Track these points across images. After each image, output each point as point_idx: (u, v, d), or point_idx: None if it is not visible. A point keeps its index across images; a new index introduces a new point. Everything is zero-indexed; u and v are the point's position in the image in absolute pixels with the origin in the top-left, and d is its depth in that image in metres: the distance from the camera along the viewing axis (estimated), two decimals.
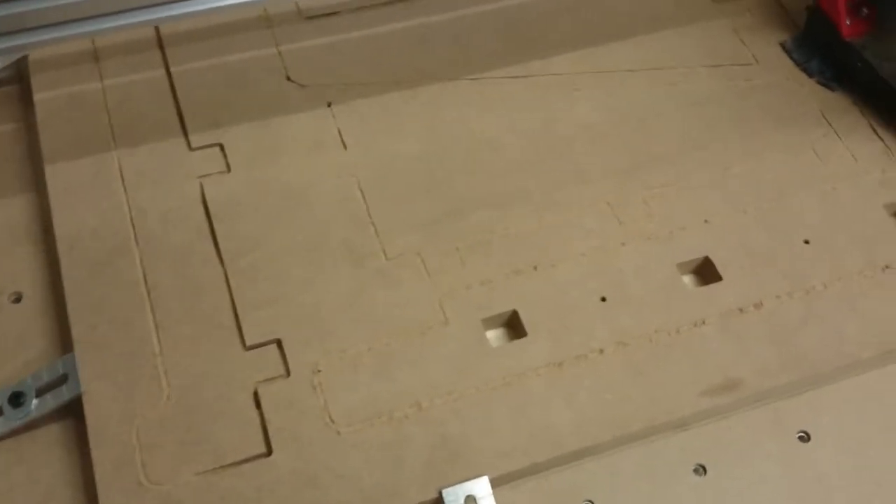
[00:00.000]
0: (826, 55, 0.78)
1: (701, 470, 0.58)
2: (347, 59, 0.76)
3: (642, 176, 0.70)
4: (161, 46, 0.76)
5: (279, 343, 0.59)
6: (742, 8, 0.81)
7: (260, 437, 0.55)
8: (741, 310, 0.63)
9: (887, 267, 0.65)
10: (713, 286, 0.64)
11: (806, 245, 0.66)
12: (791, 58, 0.79)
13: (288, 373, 0.58)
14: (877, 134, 0.73)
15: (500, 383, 0.59)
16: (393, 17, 0.80)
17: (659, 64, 0.77)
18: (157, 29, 0.76)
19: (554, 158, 0.71)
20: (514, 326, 0.62)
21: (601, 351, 0.60)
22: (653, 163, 0.71)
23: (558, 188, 0.69)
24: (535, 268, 0.65)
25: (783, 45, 0.80)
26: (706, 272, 0.66)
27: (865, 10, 0.74)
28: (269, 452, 0.55)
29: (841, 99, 0.75)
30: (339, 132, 0.72)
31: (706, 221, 0.67)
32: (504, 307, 0.62)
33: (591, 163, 0.71)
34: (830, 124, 0.73)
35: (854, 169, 0.71)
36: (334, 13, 0.79)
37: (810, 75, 0.78)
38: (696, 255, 0.66)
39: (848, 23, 0.74)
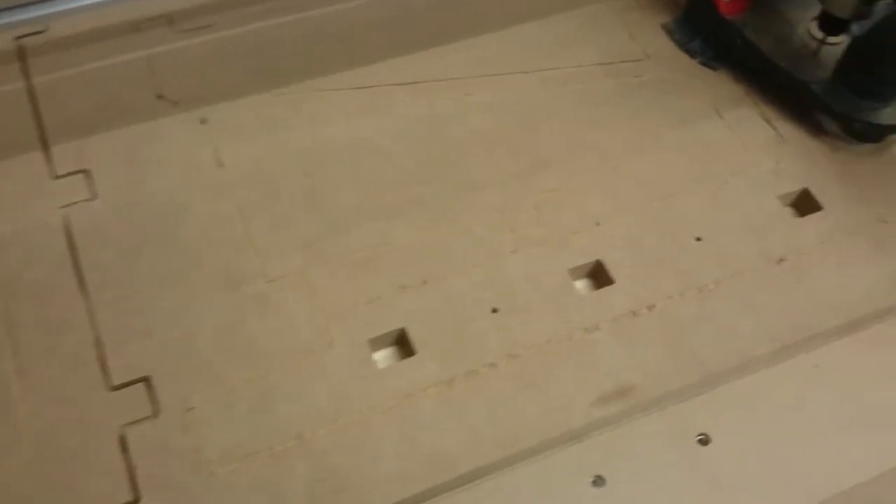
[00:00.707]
0: (707, 35, 0.78)
1: (599, 481, 0.57)
2: (222, 71, 0.73)
3: (534, 180, 0.69)
4: (22, 57, 0.72)
5: (147, 381, 0.56)
6: (633, 6, 0.81)
7: (126, 484, 0.52)
8: (634, 313, 0.62)
9: (782, 260, 0.65)
10: (606, 290, 0.63)
11: (698, 242, 0.66)
12: (673, 39, 0.78)
13: (157, 413, 0.55)
14: (769, 123, 0.73)
15: (387, 407, 0.57)
16: (270, 18, 0.76)
17: (551, 64, 0.76)
18: (18, 38, 0.72)
19: (445, 166, 0.70)
20: (402, 345, 0.60)
21: (493, 365, 0.59)
22: (545, 166, 0.70)
23: (449, 197, 0.68)
24: (425, 282, 0.63)
25: (665, 27, 0.79)
26: (598, 276, 0.65)
27: None
28: (137, 500, 0.52)
29: (732, 90, 0.75)
30: (215, 150, 0.69)
31: (598, 224, 0.67)
32: (392, 325, 0.60)
33: (482, 169, 0.70)
34: (722, 117, 0.73)
35: (746, 161, 0.71)
36: (206, 26, 0.76)
37: (693, 56, 0.77)
38: (588, 259, 0.65)
39: (727, 0, 0.74)
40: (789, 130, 0.73)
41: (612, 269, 0.64)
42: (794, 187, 0.69)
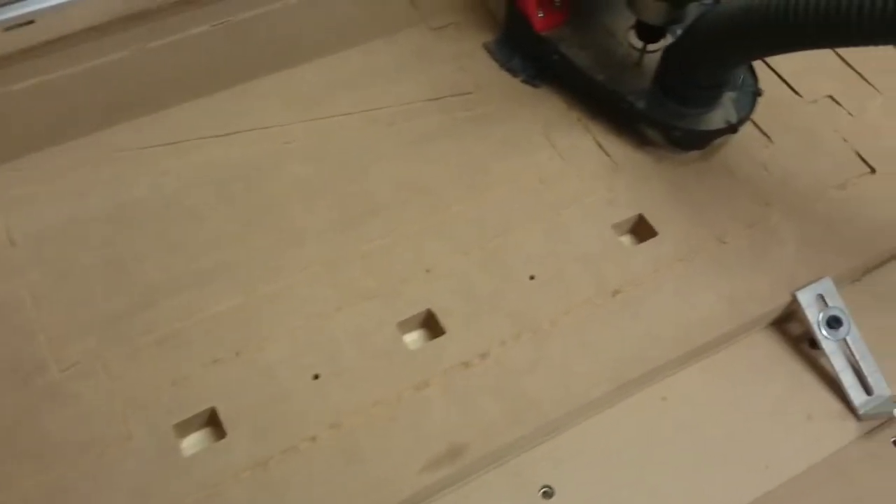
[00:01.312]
0: (526, 53, 0.76)
1: None
2: (13, 129, 0.68)
3: (361, 229, 0.66)
4: None
5: None
6: (459, 34, 0.79)
7: None
8: (466, 364, 0.59)
9: (617, 292, 0.63)
10: (437, 341, 0.60)
11: (532, 281, 0.64)
12: (494, 59, 0.77)
13: None
14: (603, 149, 0.72)
15: (193, 500, 0.52)
16: (63, 67, 0.68)
17: (376, 104, 0.74)
18: None
19: (263, 222, 0.65)
20: (213, 426, 0.56)
21: (313, 438, 0.55)
22: (372, 213, 0.67)
23: (267, 256, 0.64)
24: (238, 353, 0.58)
25: (486, 47, 0.78)
26: (429, 327, 0.62)
27: (558, 1, 0.73)
28: None
29: (565, 117, 0.74)
30: (6, 227, 0.63)
31: (428, 271, 0.64)
32: (200, 406, 0.56)
33: (304, 222, 0.66)
34: (554, 146, 0.72)
35: (580, 190, 0.69)
36: None
37: (514, 74, 0.76)
38: (419, 308, 0.61)
39: (541, 15, 0.73)
40: (619, 149, 0.71)
41: (444, 318, 0.61)
42: (629, 214, 0.67)
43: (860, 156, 0.71)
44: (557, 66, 0.74)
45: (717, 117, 0.69)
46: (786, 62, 0.77)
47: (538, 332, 0.61)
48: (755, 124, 0.73)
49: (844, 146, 0.72)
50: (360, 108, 0.73)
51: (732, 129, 0.69)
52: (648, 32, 0.71)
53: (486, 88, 0.75)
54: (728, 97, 0.70)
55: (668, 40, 0.70)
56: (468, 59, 0.77)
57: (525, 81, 0.76)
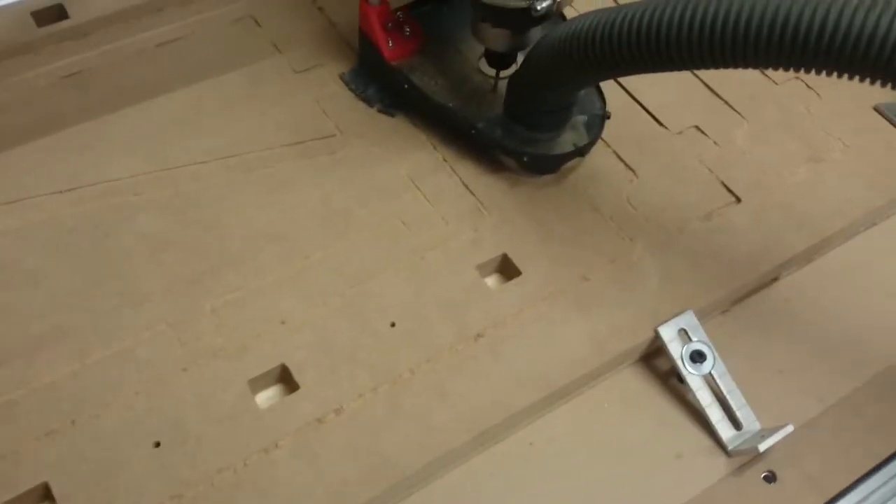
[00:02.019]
0: (380, 82, 0.77)
1: None
2: None
3: (211, 283, 0.63)
4: None
5: None
6: (323, 76, 0.78)
7: None
8: (320, 420, 0.57)
9: (480, 336, 0.62)
10: (290, 398, 0.58)
11: (393, 329, 0.62)
12: (350, 89, 0.77)
13: None
14: (468, 189, 0.71)
15: None
16: None
17: (234, 150, 0.72)
18: None
19: (105, 282, 0.63)
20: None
21: None
22: (224, 266, 0.64)
23: (108, 317, 0.61)
24: (74, 422, 0.55)
25: (342, 78, 0.78)
26: (284, 382, 0.60)
27: (409, 30, 0.74)
28: None
29: (430, 157, 0.73)
30: None
31: (283, 323, 0.62)
32: (30, 482, 0.52)
33: (150, 279, 0.63)
34: (419, 188, 0.71)
35: (445, 233, 0.68)
36: None
37: (370, 104, 0.76)
38: (272, 364, 0.59)
39: (390, 45, 0.73)
40: (485, 189, 0.71)
41: (298, 373, 0.59)
42: (494, 254, 0.67)
43: (725, 185, 0.73)
44: (409, 96, 0.74)
45: (565, 141, 0.70)
46: (652, 94, 0.78)
47: (397, 382, 0.59)
48: (620, 159, 0.74)
49: (710, 176, 0.73)
50: (217, 156, 0.71)
51: (580, 152, 0.71)
52: (497, 60, 0.72)
53: (350, 130, 0.74)
54: (578, 120, 0.71)
55: (516, 66, 0.71)
56: (332, 100, 0.76)
57: (381, 111, 0.76)
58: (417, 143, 0.74)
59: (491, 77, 0.73)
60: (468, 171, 0.72)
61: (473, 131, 0.71)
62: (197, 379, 0.58)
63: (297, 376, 0.59)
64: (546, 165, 0.71)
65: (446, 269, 0.66)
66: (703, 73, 0.81)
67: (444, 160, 0.73)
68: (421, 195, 0.70)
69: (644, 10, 0.54)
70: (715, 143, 0.75)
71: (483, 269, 0.67)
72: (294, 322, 0.62)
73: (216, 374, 0.59)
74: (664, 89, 0.79)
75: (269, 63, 0.78)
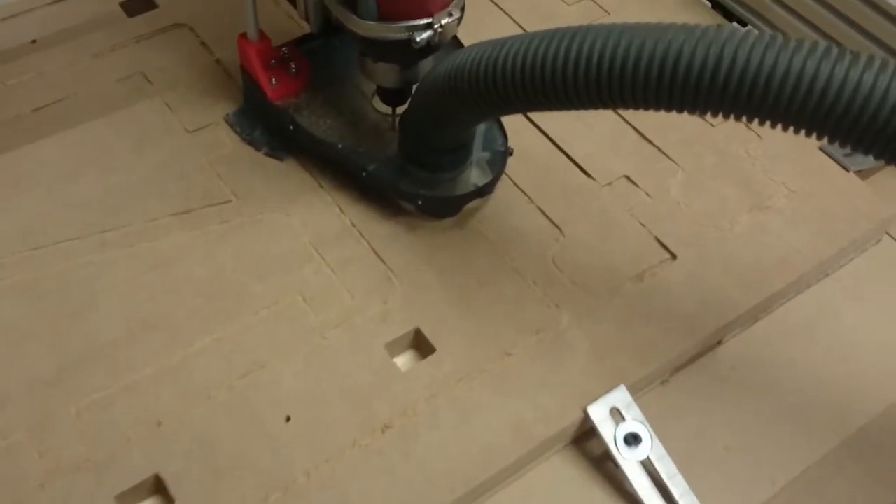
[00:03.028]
0: (266, 123, 0.73)
1: None
2: None
3: (78, 381, 0.56)
4: None
5: None
6: (218, 136, 0.72)
7: None
8: None
9: (387, 427, 0.56)
10: None
11: (287, 424, 0.56)
12: (235, 131, 0.73)
13: None
14: (378, 256, 0.66)
15: None
16: None
17: (113, 224, 0.65)
18: None
19: None
20: None
21: None
22: (93, 360, 0.58)
23: None
24: None
25: (227, 119, 0.73)
26: (156, 496, 0.53)
27: (295, 67, 0.70)
28: None
29: (335, 221, 0.67)
30: None
31: (159, 425, 0.55)
32: None
33: (7, 377, 0.56)
34: (323, 258, 0.65)
35: (351, 308, 0.62)
36: None
37: (257, 148, 0.72)
38: (143, 476, 0.52)
39: (273, 83, 0.69)
40: (397, 256, 0.65)
41: (174, 485, 0.52)
42: (405, 329, 0.61)
43: (659, 241, 0.67)
44: (297, 137, 0.70)
45: (463, 181, 0.66)
46: (578, 142, 0.73)
47: (290, 489, 0.53)
48: (544, 215, 0.68)
49: (642, 231, 0.68)
50: (92, 230, 0.65)
51: (480, 192, 0.66)
52: (390, 96, 0.68)
53: (247, 194, 0.68)
54: (481, 158, 0.68)
55: None
56: (227, 163, 0.70)
57: (269, 155, 0.71)
58: (310, 189, 0.69)
59: (387, 115, 0.69)
60: (379, 236, 0.66)
61: (364, 174, 0.67)
62: (54, 497, 0.51)
63: (172, 488, 0.52)
64: (444, 208, 0.67)
65: (351, 350, 0.59)
66: (631, 117, 0.76)
67: (353, 225, 0.67)
68: (324, 264, 0.64)
69: (529, 44, 0.50)
70: (647, 193, 0.70)
71: (393, 348, 0.60)
72: (171, 423, 0.55)
73: (77, 490, 0.51)
74: (590, 136, 0.74)
75: (158, 123, 0.73)
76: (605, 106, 0.50)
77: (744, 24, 0.87)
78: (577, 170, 0.72)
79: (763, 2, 0.84)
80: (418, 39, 0.59)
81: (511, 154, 0.69)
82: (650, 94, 0.47)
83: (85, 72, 0.76)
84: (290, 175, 0.70)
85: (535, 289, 0.64)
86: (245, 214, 0.67)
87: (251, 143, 0.72)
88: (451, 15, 0.60)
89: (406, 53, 0.60)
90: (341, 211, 0.68)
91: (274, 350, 0.59)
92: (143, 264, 0.63)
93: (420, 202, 0.66)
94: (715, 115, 0.47)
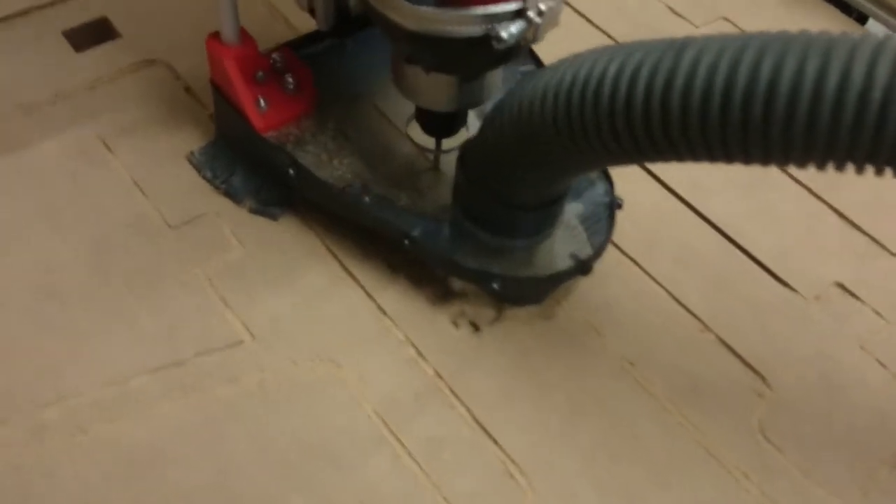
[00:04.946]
0: (249, 164, 0.52)
1: None
2: None
3: None
4: None
5: None
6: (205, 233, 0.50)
7: None
8: None
9: None
10: None
11: None
12: (204, 178, 0.52)
13: None
14: (482, 427, 0.43)
15: None
16: None
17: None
18: None
19: None
20: None
21: None
22: None
23: None
24: None
25: (191, 159, 0.53)
26: None
27: (292, 81, 0.49)
28: None
29: (393, 346, 0.45)
30: None
31: None
32: None
33: None
34: (397, 436, 0.42)
35: None
36: None
37: (237, 201, 0.51)
38: None
39: (262, 105, 0.49)
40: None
41: None
42: None
43: None
44: (297, 184, 0.49)
45: (555, 252, 0.47)
46: (752, 227, 0.52)
47: None
48: (737, 356, 0.46)
49: (885, 377, 0.45)
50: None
51: (583, 267, 0.47)
52: (438, 123, 0.48)
53: (261, 338, 0.46)
54: (572, 213, 0.48)
55: (467, 134, 0.48)
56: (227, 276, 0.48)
57: (257, 211, 0.51)
58: (340, 280, 0.48)
59: (428, 150, 0.50)
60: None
61: (407, 241, 0.47)
62: None
63: None
64: (526, 292, 0.48)
65: None
66: (824, 190, 0.54)
67: (407, 340, 0.45)
68: (403, 452, 0.42)
69: (721, 53, 0.34)
70: (877, 312, 0.48)
71: None
72: None
73: None
74: (769, 217, 0.53)
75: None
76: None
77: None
78: (759, 270, 0.50)
79: None
80: (505, 35, 0.38)
81: (619, 207, 0.50)
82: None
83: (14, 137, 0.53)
84: (293, 245, 0.49)
85: (746, 485, 0.42)
86: (266, 365, 0.44)
87: (229, 193, 0.51)
88: None
89: (479, 60, 0.40)
90: (381, 311, 0.47)
91: None
92: (111, 459, 0.40)
93: (497, 285, 0.46)
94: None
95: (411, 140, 0.50)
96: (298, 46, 0.51)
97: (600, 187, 0.49)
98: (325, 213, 0.50)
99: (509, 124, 0.41)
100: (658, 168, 0.54)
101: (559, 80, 0.38)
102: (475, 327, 0.47)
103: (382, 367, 0.45)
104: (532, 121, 0.39)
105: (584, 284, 0.48)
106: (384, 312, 0.47)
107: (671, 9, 0.66)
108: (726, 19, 0.65)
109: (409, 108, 0.49)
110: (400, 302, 0.47)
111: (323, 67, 0.51)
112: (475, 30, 0.38)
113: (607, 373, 0.45)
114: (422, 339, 0.46)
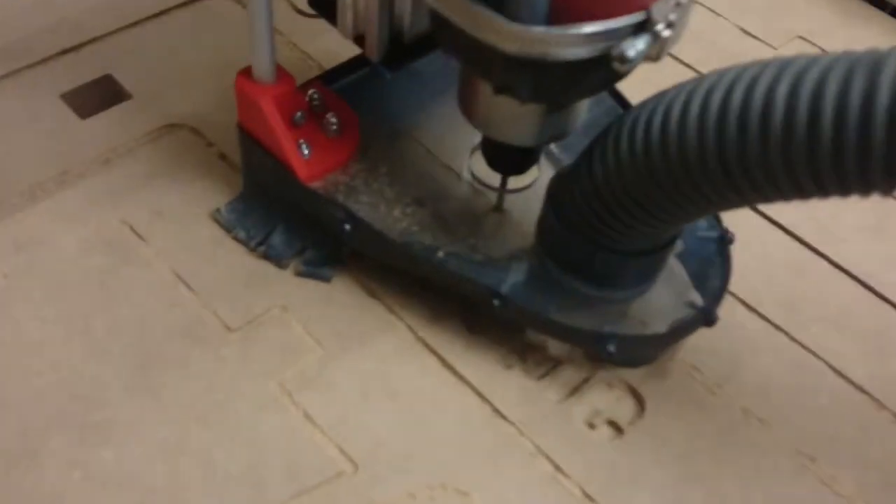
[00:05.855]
0: (291, 220, 0.45)
1: None
2: None
3: None
4: None
5: None
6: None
7: None
8: None
9: None
10: None
11: None
12: (236, 238, 0.45)
13: None
14: None
15: None
16: None
17: None
18: None
19: None
20: None
21: None
22: None
23: None
24: None
25: (217, 217, 0.46)
26: None
27: (335, 121, 0.42)
28: None
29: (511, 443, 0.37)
30: None
31: None
32: None
33: None
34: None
35: None
36: None
37: (279, 263, 0.44)
38: None
39: (306, 152, 0.42)
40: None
41: None
42: None
43: None
44: (355, 242, 0.43)
45: (664, 300, 0.40)
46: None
47: None
48: (858, 389, 0.40)
49: None
50: None
51: (707, 317, 0.40)
52: (512, 158, 0.41)
53: (369, 455, 0.38)
54: (678, 256, 0.41)
55: (541, 172, 0.43)
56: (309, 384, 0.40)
57: (304, 274, 0.44)
58: (436, 375, 0.41)
59: (490, 189, 0.43)
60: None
61: (498, 302, 0.40)
62: None
63: None
64: (642, 352, 0.41)
65: None
66: None
67: (538, 451, 0.38)
68: None
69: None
70: None
71: None
72: None
73: None
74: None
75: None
76: None
77: None
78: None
79: None
80: (632, 54, 0.31)
81: (732, 242, 0.44)
82: None
83: (21, 230, 0.44)
84: (363, 317, 0.43)
85: None
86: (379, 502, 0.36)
87: (267, 255, 0.45)
88: (679, 4, 0.32)
89: (594, 82, 0.35)
90: (496, 413, 0.40)
91: None
92: None
93: (613, 347, 0.39)
94: None
95: (474, 177, 0.43)
96: (329, 80, 0.45)
97: (705, 220, 0.42)
98: (375, 261, 0.43)
99: (629, 158, 0.36)
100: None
101: (702, 105, 0.32)
102: (617, 429, 0.40)
103: (518, 490, 0.37)
104: (667, 154, 0.33)
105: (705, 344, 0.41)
106: (501, 415, 0.39)
107: (744, 30, 0.61)
108: (803, 38, 0.60)
109: (457, 140, 0.43)
110: (517, 396, 0.40)
111: (358, 102, 0.45)
112: (590, 50, 0.31)
113: (788, 472, 0.38)
114: (556, 449, 0.39)
